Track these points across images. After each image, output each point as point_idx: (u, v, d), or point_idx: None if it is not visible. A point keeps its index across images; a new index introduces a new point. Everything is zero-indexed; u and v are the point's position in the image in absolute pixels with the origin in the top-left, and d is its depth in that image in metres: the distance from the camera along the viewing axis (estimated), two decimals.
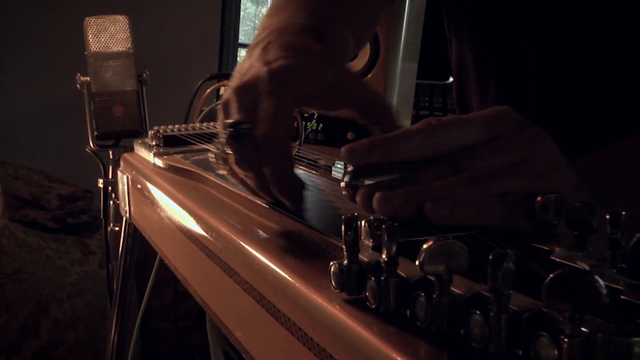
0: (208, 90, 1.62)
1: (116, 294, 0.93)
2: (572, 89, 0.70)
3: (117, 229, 1.30)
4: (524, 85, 0.74)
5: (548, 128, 0.42)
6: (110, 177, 1.31)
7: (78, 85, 1.30)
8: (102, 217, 1.33)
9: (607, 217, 0.32)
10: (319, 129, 1.27)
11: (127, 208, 0.90)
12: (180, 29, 3.15)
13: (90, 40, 1.28)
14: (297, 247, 0.44)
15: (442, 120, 0.41)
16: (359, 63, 1.35)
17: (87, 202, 2.12)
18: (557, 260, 0.33)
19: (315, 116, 1.23)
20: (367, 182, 0.40)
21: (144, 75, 1.33)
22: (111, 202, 1.31)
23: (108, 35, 1.29)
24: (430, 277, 0.30)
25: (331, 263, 0.35)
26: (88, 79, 1.29)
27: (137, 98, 1.30)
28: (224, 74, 1.62)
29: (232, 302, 0.49)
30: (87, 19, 1.29)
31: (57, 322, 1.80)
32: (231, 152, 0.48)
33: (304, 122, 1.21)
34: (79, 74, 1.30)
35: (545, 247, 0.35)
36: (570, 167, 0.42)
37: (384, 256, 0.31)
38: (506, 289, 0.27)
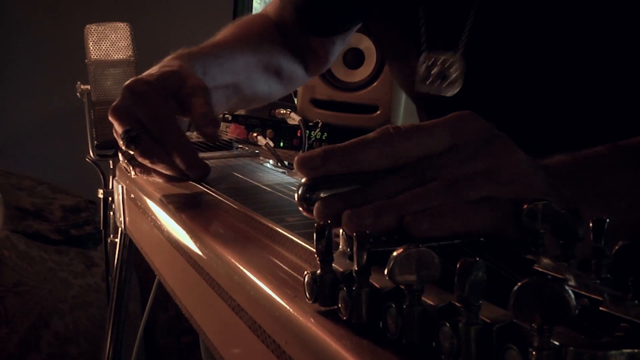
0: None
1: (111, 307, 0.93)
2: (544, 93, 0.68)
3: (117, 240, 1.30)
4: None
5: (516, 130, 0.41)
6: (110, 187, 1.32)
7: (78, 94, 1.31)
8: (102, 228, 1.33)
9: (590, 224, 0.31)
10: (323, 138, 1.27)
11: (122, 219, 0.90)
12: (188, 36, 3.16)
13: (91, 48, 1.29)
14: (280, 257, 0.44)
15: (400, 128, 0.39)
16: (364, 71, 1.35)
17: (91, 214, 2.13)
18: (540, 270, 0.33)
19: (320, 125, 1.23)
20: (323, 195, 0.38)
21: None
22: (111, 213, 1.31)
23: (109, 42, 1.30)
24: (402, 287, 0.29)
25: (305, 272, 0.34)
26: (88, 87, 1.30)
27: None
28: None
29: (215, 313, 0.49)
30: (87, 26, 1.30)
31: (58, 336, 1.80)
32: (133, 152, 0.65)
33: (307, 131, 1.21)
34: (79, 82, 1.31)
35: (529, 257, 0.34)
36: (537, 171, 0.40)
37: (355, 265, 0.31)
38: (475, 299, 0.26)
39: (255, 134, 1.06)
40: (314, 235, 0.33)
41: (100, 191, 1.31)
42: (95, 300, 1.93)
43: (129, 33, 1.32)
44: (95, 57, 1.29)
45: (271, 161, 0.82)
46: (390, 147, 0.38)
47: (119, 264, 0.93)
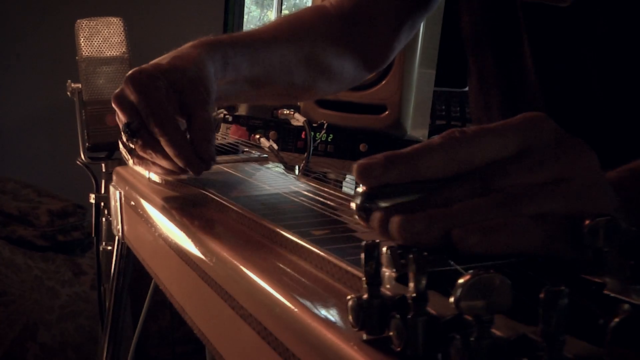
0: None
1: (108, 319, 0.91)
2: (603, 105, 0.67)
3: (109, 248, 1.28)
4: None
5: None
6: (102, 191, 1.29)
7: (69, 93, 1.28)
8: (93, 235, 1.31)
9: None
10: (329, 140, 1.25)
11: (119, 227, 0.87)
12: (179, 32, 3.14)
13: (82, 45, 1.27)
14: (310, 277, 0.41)
15: (466, 132, 0.38)
16: None
17: (79, 218, 2.10)
18: (612, 295, 0.31)
19: (325, 126, 1.21)
20: (383, 204, 0.37)
21: None
22: (104, 219, 1.29)
23: (101, 38, 1.27)
24: (466, 316, 0.27)
25: (349, 297, 0.32)
26: (79, 85, 1.27)
27: None
28: None
29: (233, 335, 0.47)
30: (78, 21, 1.28)
31: (45, 348, 1.77)
32: (134, 146, 0.66)
33: (312, 133, 1.19)
34: (69, 81, 1.28)
35: (595, 279, 0.32)
36: (609, 186, 0.39)
37: (411, 290, 0.29)
38: (561, 333, 0.24)
39: (257, 136, 1.04)
40: (362, 254, 0.31)
41: (92, 196, 1.29)
42: (84, 310, 1.91)
43: (122, 28, 1.29)
44: (86, 53, 1.27)
45: (282, 165, 0.80)
46: (456, 153, 0.37)
47: (115, 274, 0.91)
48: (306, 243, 0.43)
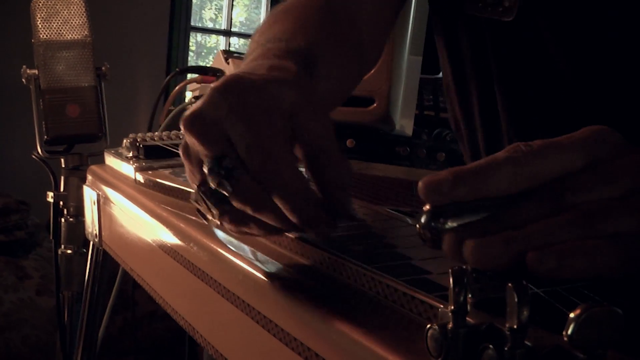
0: (177, 87, 1.59)
1: (81, 333, 0.89)
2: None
3: (69, 251, 1.26)
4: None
5: None
6: (62, 189, 1.27)
7: (24, 80, 1.25)
8: (51, 237, 1.28)
9: None
10: None
11: (95, 231, 0.86)
12: (147, 12, 3.09)
13: (39, 26, 1.24)
14: (362, 299, 0.42)
15: (532, 146, 0.39)
16: None
17: (22, 216, 2.06)
18: None
19: None
20: (450, 223, 0.38)
21: (103, 68, 1.29)
22: (63, 220, 1.26)
23: (61, 20, 1.25)
24: (577, 353, 0.28)
25: (428, 326, 0.32)
26: (36, 72, 1.24)
27: (96, 96, 1.26)
28: (196, 68, 1.58)
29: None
30: (34, 0, 1.25)
31: None
32: (227, 193, 0.45)
33: None
34: (24, 67, 1.25)
35: None
36: None
37: (512, 322, 0.29)
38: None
39: None
40: (450, 280, 0.31)
41: (50, 194, 1.26)
42: (29, 318, 1.87)
43: (83, 9, 1.27)
44: (44, 36, 1.23)
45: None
46: (524, 168, 0.38)
47: (89, 284, 0.90)
48: (366, 269, 0.43)
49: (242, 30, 4.46)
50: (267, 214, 0.46)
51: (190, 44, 3.93)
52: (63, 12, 1.25)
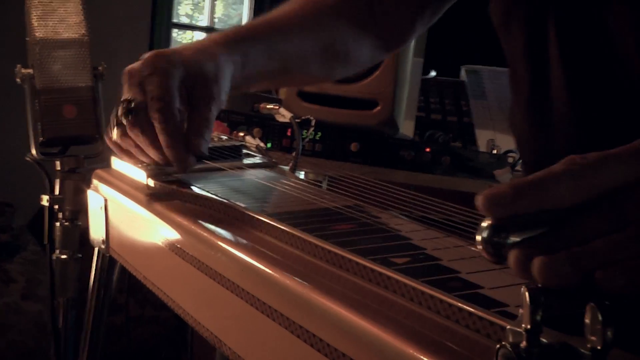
0: None
1: (85, 342, 0.88)
2: None
3: (64, 256, 1.25)
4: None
5: None
6: (57, 192, 1.25)
7: (18, 79, 1.23)
8: (46, 242, 1.27)
9: None
10: (317, 138, 1.24)
11: (102, 237, 0.85)
12: (142, 11, 3.07)
13: (35, 25, 1.22)
14: (416, 319, 0.42)
15: (588, 158, 0.40)
16: None
17: (7, 219, 2.04)
18: None
19: (313, 123, 1.20)
20: (513, 238, 0.38)
21: (100, 68, 1.27)
22: (57, 224, 1.25)
23: (57, 18, 1.23)
24: None
25: (499, 345, 0.33)
26: (31, 71, 1.23)
27: (93, 96, 1.24)
28: None
29: None
30: None
31: None
32: (125, 122, 0.73)
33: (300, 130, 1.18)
34: (19, 66, 1.24)
35: None
36: None
37: (595, 343, 0.29)
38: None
39: (242, 134, 1.03)
40: (526, 298, 0.32)
41: (45, 198, 1.24)
42: (15, 323, 1.85)
43: (80, 7, 1.25)
44: (40, 35, 1.22)
45: (302, 172, 0.80)
46: (583, 180, 0.39)
47: (94, 292, 0.89)
48: (416, 283, 0.43)
49: (221, 27, 4.44)
50: (147, 146, 0.73)
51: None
52: (59, 10, 1.24)
